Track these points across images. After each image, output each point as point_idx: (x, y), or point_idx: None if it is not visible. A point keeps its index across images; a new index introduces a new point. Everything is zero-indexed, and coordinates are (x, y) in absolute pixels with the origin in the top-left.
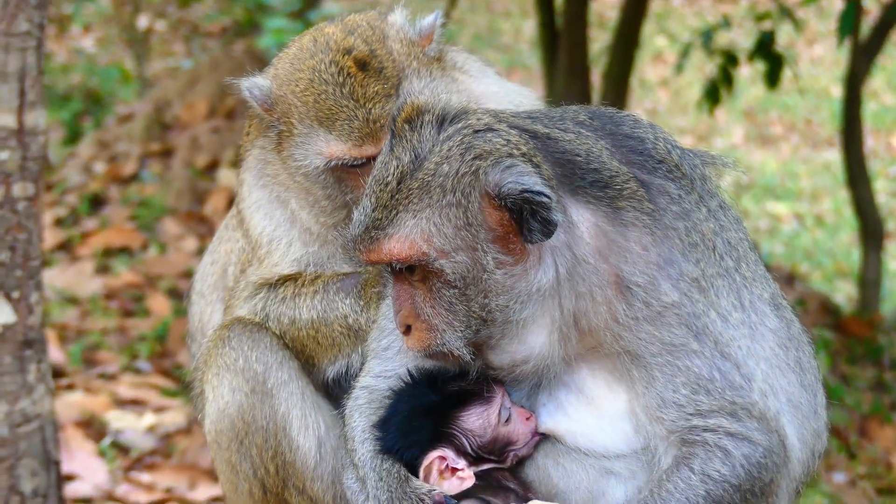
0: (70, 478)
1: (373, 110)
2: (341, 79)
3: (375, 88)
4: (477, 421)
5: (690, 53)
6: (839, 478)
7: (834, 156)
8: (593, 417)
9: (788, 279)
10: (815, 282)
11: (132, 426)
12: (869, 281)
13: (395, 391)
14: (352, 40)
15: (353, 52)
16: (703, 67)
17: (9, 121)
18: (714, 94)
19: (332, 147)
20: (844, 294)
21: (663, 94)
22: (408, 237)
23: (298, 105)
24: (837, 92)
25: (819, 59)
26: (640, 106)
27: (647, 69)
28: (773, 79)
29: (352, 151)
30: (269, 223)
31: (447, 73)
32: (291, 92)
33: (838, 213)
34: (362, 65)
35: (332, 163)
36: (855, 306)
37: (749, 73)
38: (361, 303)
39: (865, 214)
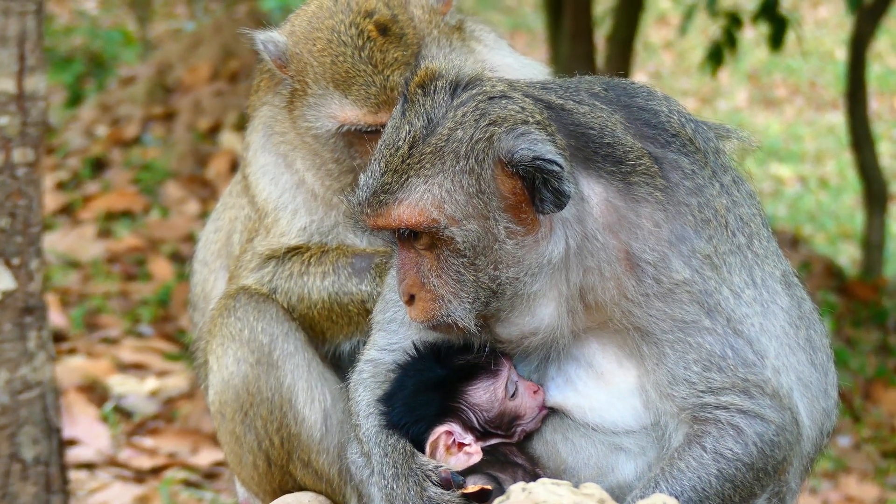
0: (72, 443)
1: (391, 77)
2: (361, 42)
3: (395, 55)
4: (484, 395)
5: (694, 15)
6: (844, 441)
7: (838, 118)
8: (603, 392)
9: (792, 242)
10: (818, 244)
11: (134, 391)
12: (873, 243)
13: (401, 365)
14: (374, 3)
15: (375, 15)
16: (706, 29)
17: (8, 86)
18: (718, 56)
19: (346, 111)
20: (848, 256)
21: (667, 57)
22: (418, 203)
23: (314, 65)
24: (842, 54)
25: (823, 20)
26: (643, 68)
27: (651, 31)
28: (777, 41)
29: (366, 118)
30: (275, 189)
31: (466, 43)
32: (308, 51)
33: (842, 175)
34: (383, 29)
35: (345, 128)
36: (859, 269)
37: (753, 36)
38: (377, 284)
39: (869, 177)
